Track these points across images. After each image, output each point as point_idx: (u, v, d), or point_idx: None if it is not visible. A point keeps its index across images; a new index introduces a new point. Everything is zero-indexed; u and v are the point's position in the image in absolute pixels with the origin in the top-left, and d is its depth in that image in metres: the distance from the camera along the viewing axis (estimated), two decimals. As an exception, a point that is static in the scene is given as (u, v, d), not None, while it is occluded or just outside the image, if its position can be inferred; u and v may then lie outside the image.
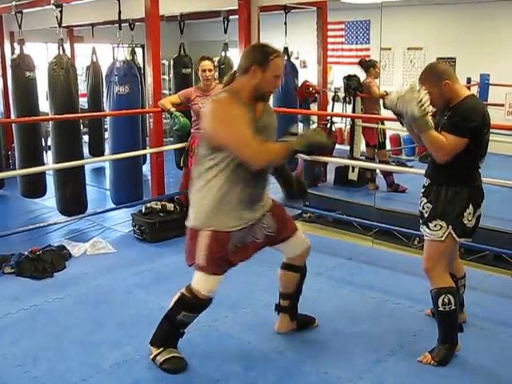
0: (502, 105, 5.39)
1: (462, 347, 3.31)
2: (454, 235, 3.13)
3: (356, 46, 10.97)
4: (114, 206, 6.25)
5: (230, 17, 7.55)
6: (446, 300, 3.12)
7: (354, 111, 7.50)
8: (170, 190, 6.34)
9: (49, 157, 7.86)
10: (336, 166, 7.80)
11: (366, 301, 4.05)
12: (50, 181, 6.42)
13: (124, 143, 5.97)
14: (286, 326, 3.52)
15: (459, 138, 2.99)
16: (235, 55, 7.05)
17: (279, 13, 7.56)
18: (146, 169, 7.11)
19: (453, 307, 3.14)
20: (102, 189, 8.00)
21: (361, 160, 7.61)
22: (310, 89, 7.69)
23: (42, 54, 10.92)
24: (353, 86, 7.47)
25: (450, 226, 3.11)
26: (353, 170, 7.51)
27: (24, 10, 6.82)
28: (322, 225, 6.99)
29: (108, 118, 6.64)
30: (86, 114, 8.60)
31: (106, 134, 8.00)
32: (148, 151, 6.58)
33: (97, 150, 9.51)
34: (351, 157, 7.67)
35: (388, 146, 8.42)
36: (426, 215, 3.20)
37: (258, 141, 2.79)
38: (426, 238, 3.23)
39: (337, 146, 8.04)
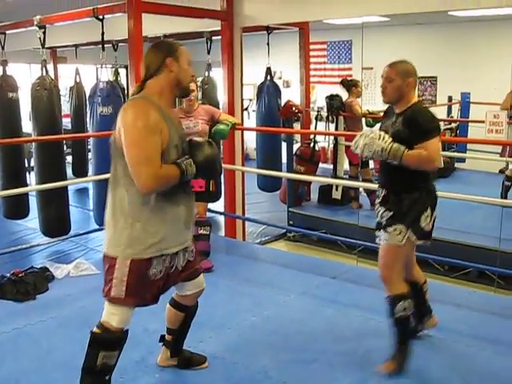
0: (483, 121, 5.46)
1: (449, 365, 3.33)
2: (414, 238, 3.17)
3: (338, 65, 11.08)
4: (97, 226, 6.22)
5: (213, 37, 7.60)
6: (402, 307, 3.16)
7: (336, 130, 7.56)
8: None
9: (32, 178, 7.82)
10: (320, 184, 7.83)
11: (350, 319, 4.04)
12: (33, 202, 6.38)
13: (107, 164, 5.92)
14: (165, 361, 3.31)
15: (434, 140, 3.06)
16: (219, 75, 7.09)
17: (262, 33, 7.62)
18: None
19: (408, 313, 3.18)
20: (86, 210, 7.97)
21: (344, 179, 7.64)
22: (293, 108, 7.74)
23: (24, 75, 10.89)
24: (335, 106, 7.53)
25: (410, 230, 3.15)
26: (336, 189, 7.55)
27: (7, 31, 6.83)
28: (307, 244, 7.01)
29: (91, 138, 6.63)
30: (70, 135, 8.59)
31: (90, 155, 7.98)
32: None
33: (80, 171, 9.49)
34: (335, 175, 7.71)
35: (371, 165, 8.47)
36: (384, 222, 3.23)
37: (155, 164, 2.53)
38: (383, 242, 3.25)
39: (320, 165, 8.09)
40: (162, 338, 3.27)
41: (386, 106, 3.44)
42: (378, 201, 3.35)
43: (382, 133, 3.14)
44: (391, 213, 3.20)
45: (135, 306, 2.79)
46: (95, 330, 2.78)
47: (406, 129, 3.12)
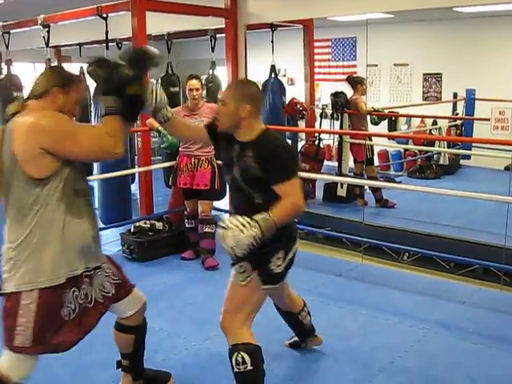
0: (489, 119, 5.43)
1: (453, 361, 3.31)
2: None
3: (343, 62, 11.05)
4: (102, 225, 6.21)
5: (217, 35, 7.60)
6: (239, 359, 2.70)
7: (341, 128, 7.54)
8: (158, 208, 6.33)
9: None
10: (325, 182, 7.81)
11: (356, 317, 4.04)
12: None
13: (112, 162, 5.95)
14: None
15: (295, 180, 2.68)
16: (223, 73, 7.09)
17: (266, 31, 7.62)
18: (134, 188, 7.10)
19: (248, 367, 2.68)
20: (91, 208, 7.97)
21: (349, 176, 7.63)
22: (298, 106, 7.74)
23: (29, 74, 10.91)
24: (340, 103, 7.51)
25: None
26: (341, 187, 7.54)
27: (11, 31, 6.84)
28: (312, 241, 6.99)
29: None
30: (74, 134, 8.59)
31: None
32: (136, 170, 6.56)
33: (85, 170, 9.50)
34: (339, 173, 7.69)
35: (376, 162, 8.44)
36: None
37: (102, 135, 2.42)
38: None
39: (325, 163, 8.08)
40: (119, 364, 3.00)
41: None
42: None
43: (240, 218, 2.54)
44: None
45: (44, 353, 2.49)
46: None
47: (259, 165, 2.64)
